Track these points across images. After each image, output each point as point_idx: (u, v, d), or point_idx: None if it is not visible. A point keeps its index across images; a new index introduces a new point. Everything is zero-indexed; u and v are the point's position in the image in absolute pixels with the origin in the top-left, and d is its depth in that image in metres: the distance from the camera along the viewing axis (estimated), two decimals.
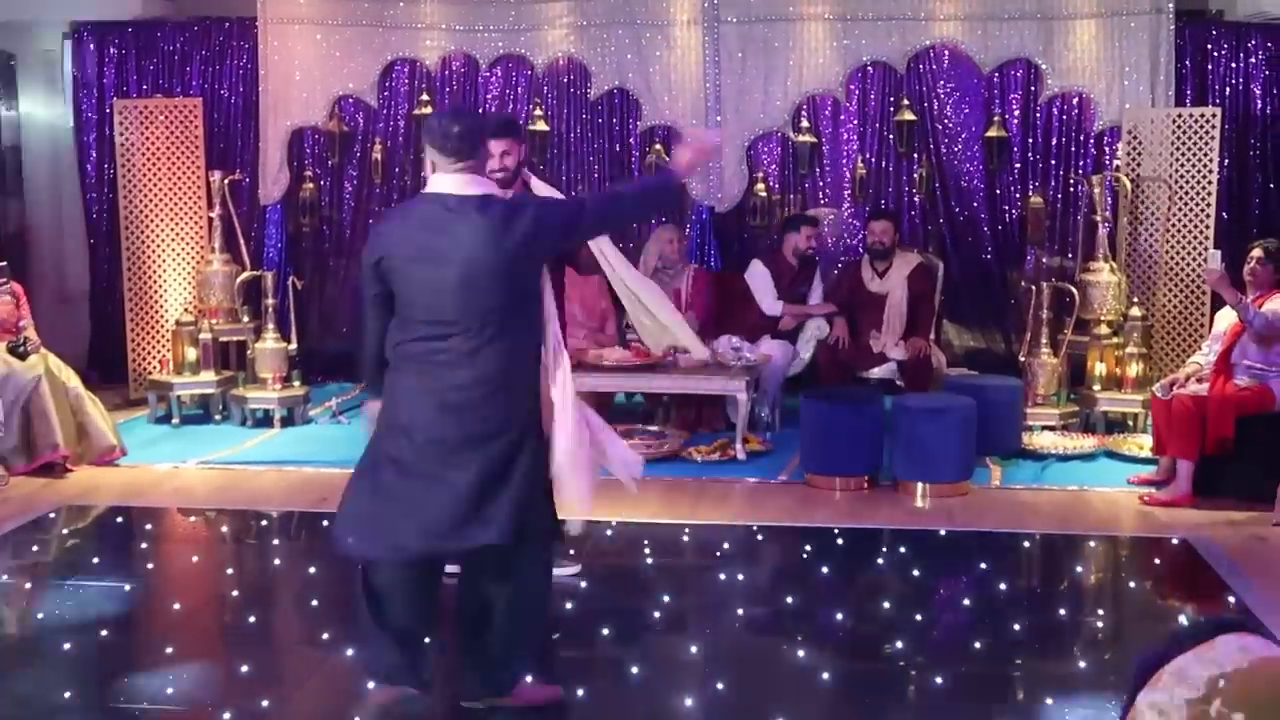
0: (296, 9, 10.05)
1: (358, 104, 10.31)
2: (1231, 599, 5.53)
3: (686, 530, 6.50)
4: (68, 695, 4.47)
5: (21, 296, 7.97)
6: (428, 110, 10.12)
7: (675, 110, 9.96)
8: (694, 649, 5.03)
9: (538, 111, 10.13)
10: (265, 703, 4.46)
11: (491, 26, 10.08)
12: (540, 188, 5.27)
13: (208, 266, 9.47)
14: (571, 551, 5.68)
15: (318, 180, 10.43)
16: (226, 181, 9.48)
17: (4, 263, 7.84)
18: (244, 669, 4.72)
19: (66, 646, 4.95)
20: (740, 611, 5.38)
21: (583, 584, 5.68)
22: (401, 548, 4.10)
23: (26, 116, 10.68)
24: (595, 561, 6.01)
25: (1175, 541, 6.35)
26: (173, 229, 9.76)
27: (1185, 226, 8.97)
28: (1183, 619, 5.49)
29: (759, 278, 9.02)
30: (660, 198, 4.76)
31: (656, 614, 5.35)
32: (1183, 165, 8.96)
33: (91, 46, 10.34)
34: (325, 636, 5.08)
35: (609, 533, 6.40)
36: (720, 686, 4.61)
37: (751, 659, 4.99)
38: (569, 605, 5.45)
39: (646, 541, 6.31)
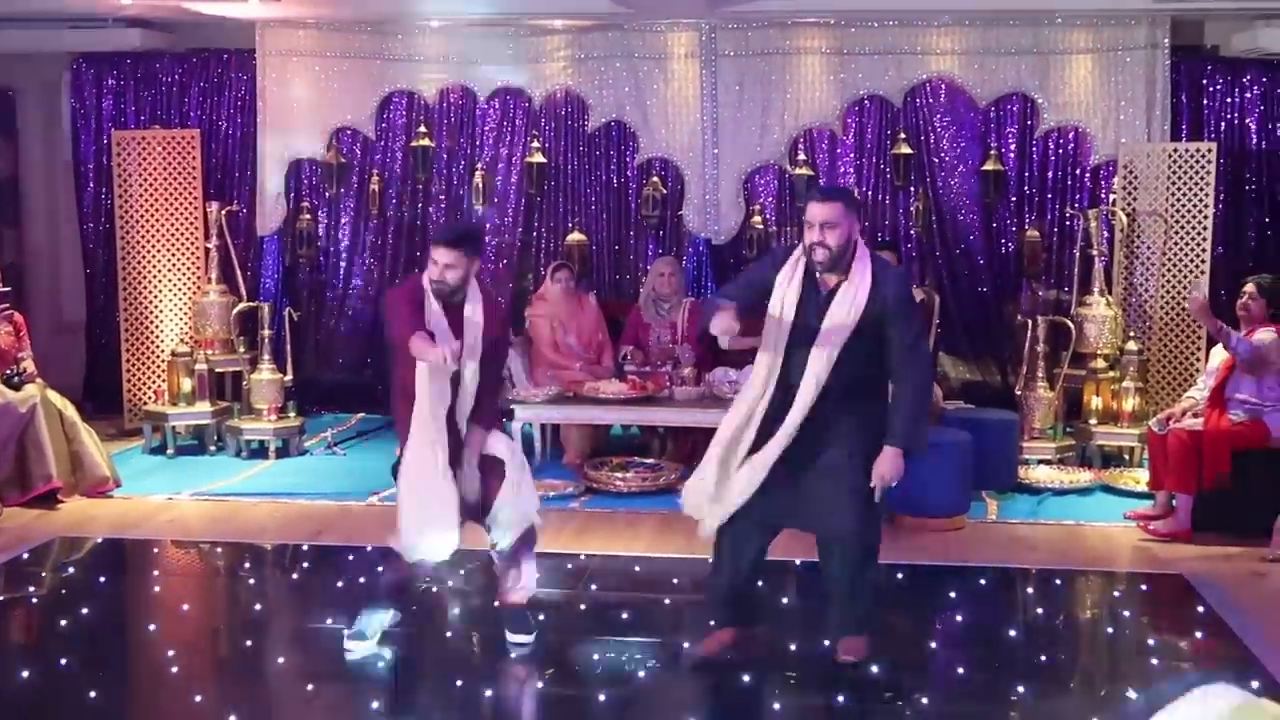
0: (295, 41, 10.09)
1: (355, 135, 10.33)
2: (1228, 634, 5.52)
3: (681, 564, 6.47)
4: None
5: (23, 327, 7.97)
6: (425, 142, 10.14)
7: (673, 143, 9.99)
8: (681, 684, 5.01)
9: (535, 144, 10.15)
10: None
11: (490, 59, 10.11)
12: (474, 291, 5.19)
13: (204, 297, 9.47)
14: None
15: (315, 211, 10.44)
16: (224, 212, 9.50)
17: (7, 289, 7.84)
18: (237, 703, 4.69)
19: (59, 680, 4.92)
20: (734, 649, 5.34)
21: (576, 619, 5.66)
22: None
23: (25, 147, 10.70)
24: (588, 594, 6.00)
25: (1172, 577, 6.33)
26: (169, 259, 9.76)
27: (1181, 261, 8.99)
28: (1177, 663, 5.46)
29: None
30: None
31: (647, 649, 5.32)
32: (1178, 200, 8.98)
33: (90, 78, 10.37)
34: (318, 671, 5.06)
35: (602, 565, 6.39)
36: None
37: (744, 696, 4.96)
38: (557, 637, 5.43)
39: (640, 575, 6.29)
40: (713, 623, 5.21)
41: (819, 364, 4.82)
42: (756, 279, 5.13)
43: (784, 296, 4.94)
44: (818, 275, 4.91)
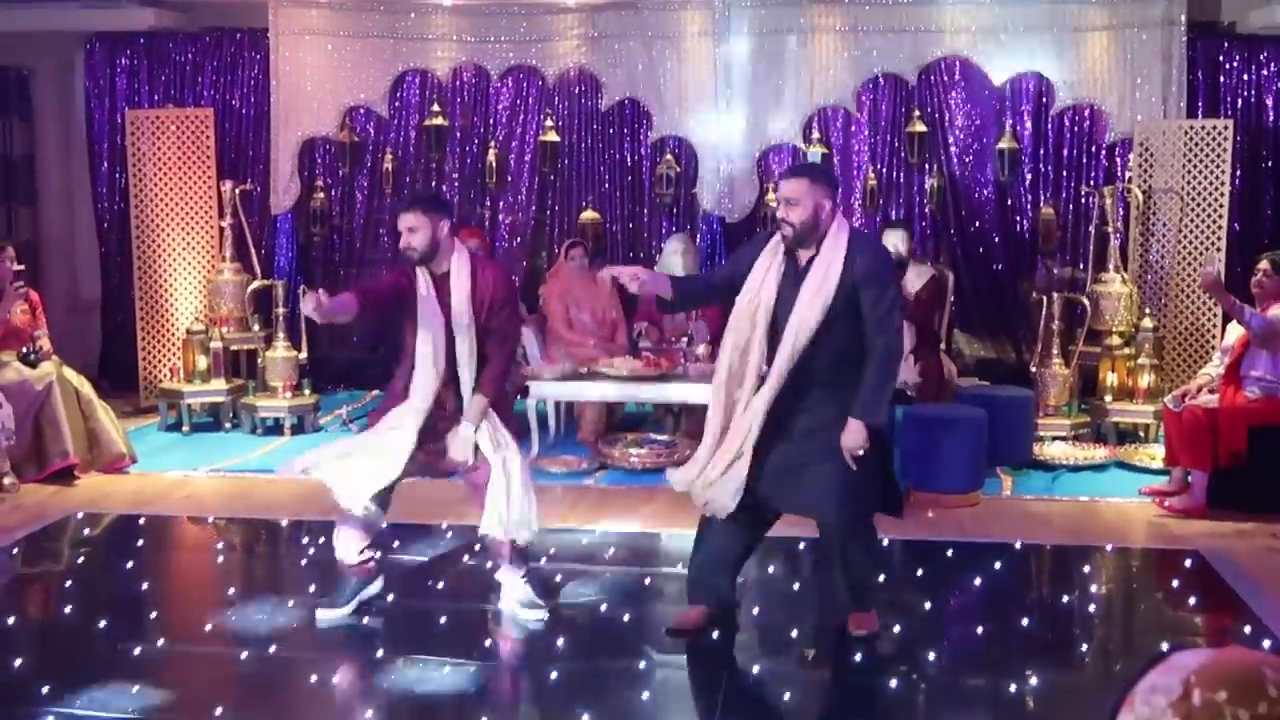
0: (308, 20, 10.08)
1: (369, 114, 10.34)
2: (1244, 610, 5.51)
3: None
4: (77, 702, 4.46)
5: (39, 305, 7.99)
6: (439, 121, 10.15)
7: (686, 122, 9.97)
8: (702, 660, 5.02)
9: (549, 122, 10.16)
10: (274, 710, 4.45)
11: (503, 37, 10.11)
12: (460, 257, 5.23)
13: (219, 275, 9.49)
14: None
15: (329, 190, 10.47)
16: (238, 191, 9.51)
17: (22, 267, 7.85)
18: (252, 678, 4.71)
19: (76, 654, 4.94)
20: (746, 623, 5.36)
21: (591, 593, 5.67)
22: None
23: (40, 126, 10.72)
24: (605, 570, 6.01)
25: (1187, 552, 6.32)
26: (184, 238, 9.78)
27: (1197, 238, 8.96)
28: (1192, 638, 5.46)
29: None
30: None
31: (662, 624, 5.32)
32: (1194, 177, 8.95)
33: (104, 57, 10.39)
34: (333, 643, 5.08)
35: (617, 541, 6.41)
36: (725, 698, 4.60)
37: (757, 671, 4.97)
38: (572, 612, 5.43)
39: (654, 550, 6.30)
40: (690, 600, 5.26)
41: (796, 337, 4.82)
42: (733, 262, 5.25)
43: (764, 276, 4.95)
44: (795, 253, 4.92)
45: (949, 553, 6.32)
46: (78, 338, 10.09)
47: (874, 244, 5.19)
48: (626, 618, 5.38)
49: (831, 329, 4.81)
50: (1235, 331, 7.28)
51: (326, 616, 5.29)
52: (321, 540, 6.58)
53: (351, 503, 5.18)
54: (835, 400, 4.83)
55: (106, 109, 10.45)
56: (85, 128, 10.57)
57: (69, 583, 5.94)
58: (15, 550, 6.34)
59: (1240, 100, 9.53)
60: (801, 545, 6.19)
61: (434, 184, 10.36)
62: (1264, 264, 7.24)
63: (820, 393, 4.86)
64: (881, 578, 5.25)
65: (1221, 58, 9.56)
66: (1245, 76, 9.55)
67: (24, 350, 7.73)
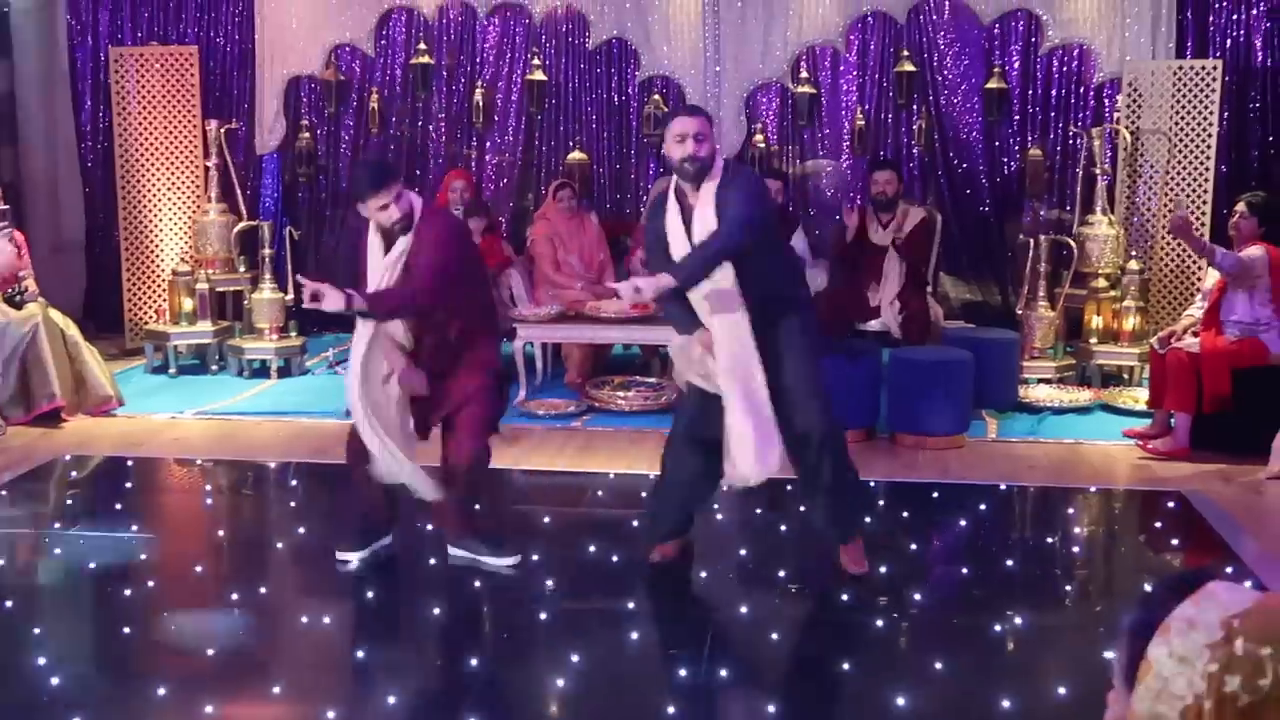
0: None
1: (354, 53, 10.26)
2: (1226, 552, 5.56)
3: None
4: (69, 644, 4.48)
5: (23, 246, 7.95)
6: (425, 60, 10.07)
7: (674, 60, 9.90)
8: (690, 600, 5.06)
9: (535, 61, 10.08)
10: (265, 650, 4.48)
11: None
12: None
13: (204, 216, 9.44)
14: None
15: (314, 130, 10.39)
16: (223, 130, 9.45)
17: (6, 207, 7.80)
18: (243, 618, 4.74)
19: (66, 596, 4.96)
20: (735, 564, 5.40)
21: (578, 536, 5.70)
22: None
23: (21, 64, 10.61)
24: (592, 512, 6.04)
25: (1170, 494, 6.37)
26: (169, 178, 9.72)
27: (1184, 180, 8.95)
28: (1175, 572, 5.50)
29: None
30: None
31: (648, 564, 5.36)
32: (1183, 118, 8.93)
33: None
34: (322, 585, 5.10)
35: (606, 484, 6.44)
36: (714, 637, 4.63)
37: (745, 611, 5.00)
38: (561, 553, 5.47)
39: (642, 493, 6.32)
40: (655, 535, 5.35)
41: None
42: (653, 231, 5.14)
43: (676, 230, 4.96)
44: (686, 193, 4.94)
45: (934, 495, 6.35)
46: (62, 279, 10.03)
47: (746, 174, 5.18)
48: (613, 560, 5.41)
49: (745, 260, 4.81)
50: (1214, 274, 7.29)
51: (345, 557, 5.28)
52: (309, 482, 6.62)
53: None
54: (767, 328, 4.85)
55: (89, 46, 10.36)
56: (68, 65, 10.48)
57: (58, 524, 5.95)
58: (3, 492, 6.35)
59: (1229, 40, 9.48)
60: (789, 487, 6.21)
61: (420, 124, 10.30)
62: (1240, 205, 7.25)
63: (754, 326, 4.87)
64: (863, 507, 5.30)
65: None
66: (1235, 16, 9.49)
67: (9, 292, 7.70)
